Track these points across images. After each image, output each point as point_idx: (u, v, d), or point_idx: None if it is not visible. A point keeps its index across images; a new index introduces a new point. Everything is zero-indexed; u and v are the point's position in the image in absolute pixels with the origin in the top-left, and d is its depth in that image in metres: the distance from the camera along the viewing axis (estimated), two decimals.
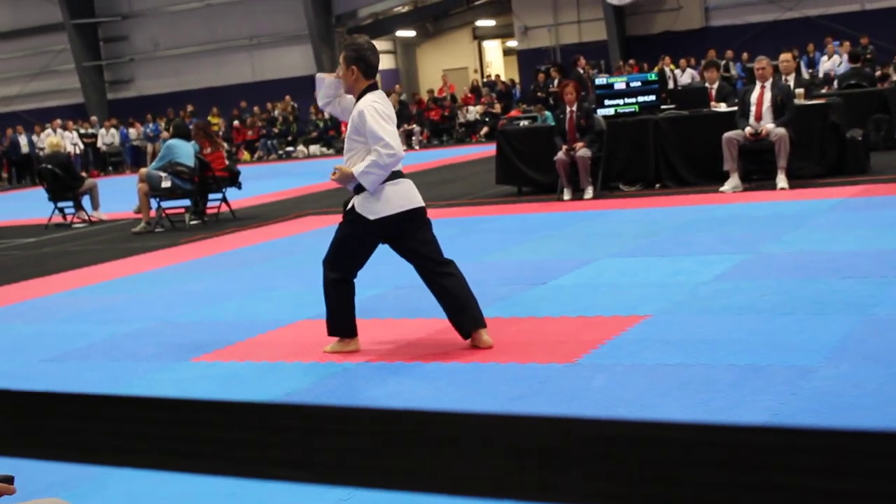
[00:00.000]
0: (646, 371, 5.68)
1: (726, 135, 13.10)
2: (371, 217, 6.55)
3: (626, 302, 7.41)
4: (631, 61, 30.41)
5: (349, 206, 6.67)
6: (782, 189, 12.71)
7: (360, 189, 6.54)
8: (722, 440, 0.71)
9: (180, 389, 6.33)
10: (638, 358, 5.95)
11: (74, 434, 1.02)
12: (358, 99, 6.59)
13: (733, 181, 13.07)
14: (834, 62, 26.35)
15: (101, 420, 1.01)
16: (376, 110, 6.45)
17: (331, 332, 6.79)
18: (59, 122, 34.84)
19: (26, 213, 20.53)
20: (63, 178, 17.55)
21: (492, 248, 10.56)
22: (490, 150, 18.27)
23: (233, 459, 0.91)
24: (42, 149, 31.85)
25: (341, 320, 6.75)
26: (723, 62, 28.21)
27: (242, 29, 38.29)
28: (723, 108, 14.13)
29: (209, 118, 32.29)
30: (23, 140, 34.66)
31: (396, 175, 6.64)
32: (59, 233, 16.76)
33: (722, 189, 13.04)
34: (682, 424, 0.71)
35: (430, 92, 34.28)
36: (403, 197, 6.66)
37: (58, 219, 17.72)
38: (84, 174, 18.08)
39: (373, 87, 6.63)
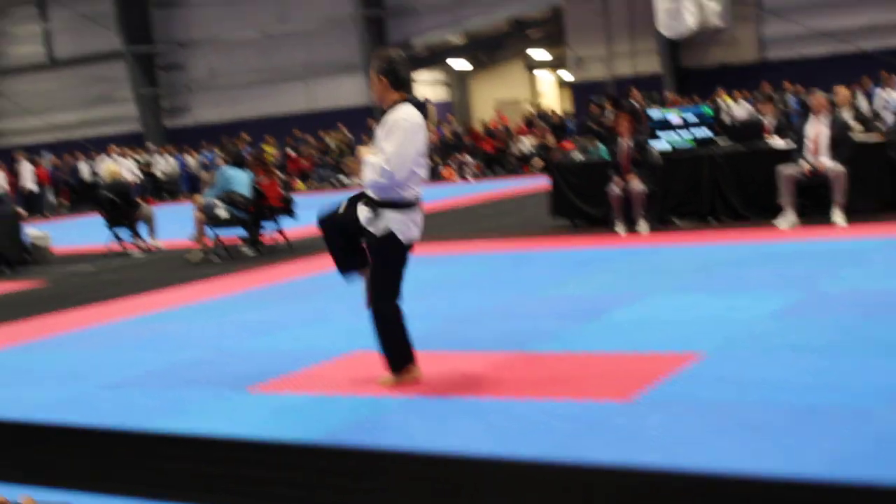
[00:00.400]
0: (702, 409, 5.65)
1: (782, 169, 13.03)
2: (405, 240, 6.61)
3: (681, 338, 7.37)
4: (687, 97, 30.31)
5: (374, 234, 6.58)
6: (839, 225, 12.61)
7: (374, 211, 6.54)
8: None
9: (235, 421, 6.37)
10: (693, 396, 5.92)
11: (138, 471, 1.05)
12: (389, 109, 6.61)
13: (789, 216, 12.98)
14: (891, 96, 26.11)
15: (158, 458, 1.04)
16: (404, 129, 6.47)
17: (397, 369, 6.77)
18: (116, 149, 35.29)
19: (85, 239, 20.77)
20: (121, 206, 17.77)
21: (545, 282, 10.55)
22: (543, 182, 18.25)
23: (284, 500, 0.93)
24: (100, 175, 32.31)
25: (406, 351, 6.76)
26: (778, 95, 28.06)
27: (298, 59, 38.63)
28: (778, 142, 14.05)
29: (264, 146, 32.53)
30: (83, 167, 35.15)
31: (417, 202, 6.69)
32: (116, 260, 16.96)
33: (778, 224, 12.96)
34: (744, 479, 0.73)
35: (484, 123, 34.33)
36: (421, 225, 6.77)
37: (115, 246, 17.93)
38: (141, 201, 18.30)
39: (405, 101, 6.64)
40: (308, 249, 15.14)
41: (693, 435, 5.26)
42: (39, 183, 33.54)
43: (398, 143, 6.44)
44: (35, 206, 32.86)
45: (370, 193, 6.58)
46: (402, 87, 6.68)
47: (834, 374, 6.12)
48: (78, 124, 42.49)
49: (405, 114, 6.55)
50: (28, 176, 32.97)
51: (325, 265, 13.44)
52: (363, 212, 6.62)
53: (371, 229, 6.61)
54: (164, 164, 36.16)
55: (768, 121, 14.55)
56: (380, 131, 6.59)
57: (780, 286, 9.10)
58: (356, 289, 11.10)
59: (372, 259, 6.72)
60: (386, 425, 6.00)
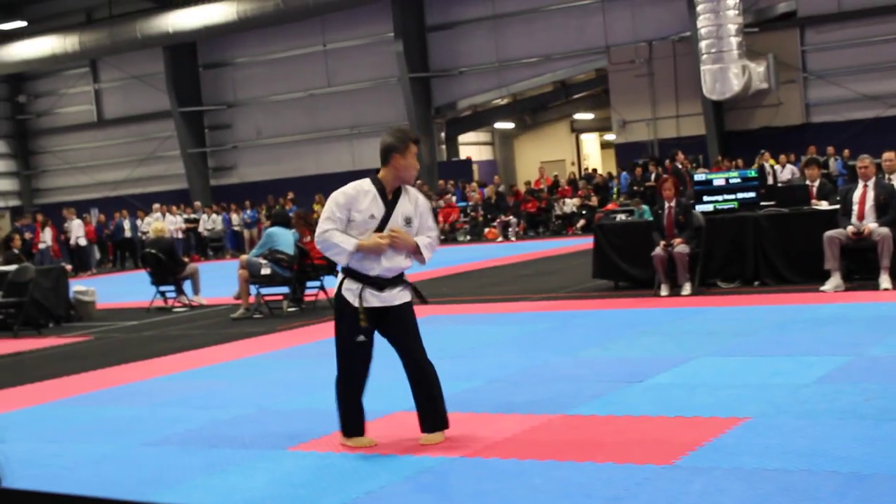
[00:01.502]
0: (745, 476, 5.58)
1: (828, 233, 12.95)
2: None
3: (725, 403, 7.30)
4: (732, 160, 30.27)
5: (403, 301, 6.97)
6: (885, 289, 12.48)
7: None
8: None
9: (276, 480, 6.36)
10: (737, 462, 5.85)
11: None
12: (404, 185, 6.92)
13: (835, 280, 12.87)
14: None
15: None
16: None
17: (445, 425, 6.86)
18: (160, 206, 35.67)
19: (129, 296, 20.95)
20: (166, 263, 17.92)
21: (588, 344, 10.50)
22: (586, 243, 18.25)
23: None
24: (145, 233, 32.63)
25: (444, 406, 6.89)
26: (823, 159, 27.95)
27: (343, 118, 39.00)
28: (824, 205, 13.98)
29: (314, 206, 32.65)
30: (126, 224, 35.59)
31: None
32: (159, 316, 17.08)
33: (823, 288, 12.85)
34: None
35: (528, 183, 34.47)
36: None
37: (159, 302, 18.07)
38: (186, 259, 18.47)
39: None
40: None
41: (736, 501, 5.18)
42: (87, 239, 33.92)
43: (327, 210, 6.80)
44: (82, 262, 33.21)
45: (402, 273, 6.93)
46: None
47: (881, 442, 6.03)
48: (125, 182, 43.06)
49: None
50: (78, 232, 33.36)
51: None
52: (406, 293, 6.97)
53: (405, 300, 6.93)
54: (209, 222, 36.49)
55: (814, 184, 14.48)
56: (409, 206, 6.78)
57: (826, 351, 9.00)
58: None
59: (411, 321, 7.06)
60: (426, 486, 5.97)
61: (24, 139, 45.83)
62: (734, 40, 29.87)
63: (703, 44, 30.08)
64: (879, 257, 12.71)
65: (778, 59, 31.57)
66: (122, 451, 7.48)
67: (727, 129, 33.00)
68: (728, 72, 29.97)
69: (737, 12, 29.91)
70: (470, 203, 33.55)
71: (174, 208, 36.22)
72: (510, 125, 42.15)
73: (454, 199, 34.03)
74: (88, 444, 7.80)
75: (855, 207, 12.96)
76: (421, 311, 14.67)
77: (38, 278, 16.53)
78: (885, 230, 12.65)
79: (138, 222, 35.42)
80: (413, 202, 6.82)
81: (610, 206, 27.88)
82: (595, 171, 37.41)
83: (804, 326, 10.48)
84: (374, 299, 6.85)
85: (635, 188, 28.62)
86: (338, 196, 6.81)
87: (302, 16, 37.23)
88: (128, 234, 35.61)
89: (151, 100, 41.88)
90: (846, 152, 28.99)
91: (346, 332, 6.97)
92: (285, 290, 15.80)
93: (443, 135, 38.33)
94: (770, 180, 26.27)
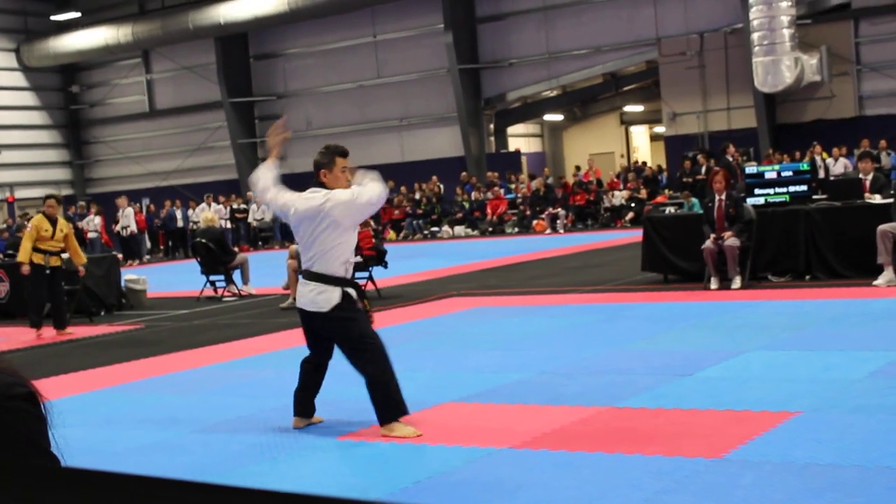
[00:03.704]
0: (796, 470, 5.54)
1: (881, 227, 12.80)
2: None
3: (776, 397, 7.25)
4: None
5: (333, 306, 7.15)
6: None
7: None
8: None
9: (324, 469, 6.39)
10: (788, 456, 5.81)
11: None
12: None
13: (888, 275, 12.73)
14: None
15: None
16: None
17: (403, 413, 7.04)
18: (210, 196, 35.89)
19: (179, 285, 21.11)
20: (216, 253, 18.04)
21: (637, 336, 10.46)
22: (635, 235, 18.17)
23: None
24: (196, 223, 32.87)
25: (400, 395, 7.08)
26: (876, 152, 27.63)
27: (393, 110, 39.05)
28: (877, 199, 13.82)
29: None
30: (178, 214, 35.86)
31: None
32: (209, 305, 17.20)
33: (875, 283, 12.71)
34: None
35: (576, 175, 34.37)
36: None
37: (209, 292, 18.20)
38: (236, 249, 18.59)
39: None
40: (398, 298, 15.21)
41: (786, 496, 5.15)
42: (138, 228, 34.19)
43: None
44: (134, 251, 33.49)
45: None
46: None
47: None
48: (175, 172, 43.38)
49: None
50: (129, 221, 33.66)
51: (416, 315, 13.50)
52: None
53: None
54: (258, 213, 36.68)
55: (867, 178, 14.33)
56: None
57: (879, 346, 8.91)
58: (447, 341, 11.15)
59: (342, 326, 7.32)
60: (474, 477, 5.97)
61: (76, 129, 46.27)
62: (787, 32, 29.56)
63: (755, 35, 29.80)
64: None
65: (831, 51, 31.21)
66: (172, 439, 7.56)
67: (779, 122, 32.69)
68: (780, 64, 29.68)
69: (790, 4, 29.61)
70: (518, 195, 33.50)
71: (222, 198, 36.41)
72: (559, 117, 41.99)
73: (502, 191, 33.98)
74: (140, 431, 7.88)
75: None
76: (469, 303, 14.75)
77: (91, 267, 16.69)
78: None
79: (189, 212, 35.67)
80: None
81: (659, 199, 27.73)
82: (644, 163, 37.21)
83: (856, 321, 10.38)
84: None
85: (684, 180, 28.42)
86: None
87: (352, 7, 37.31)
88: (179, 223, 35.87)
89: (203, 90, 42.15)
90: None
91: (366, 324, 7.26)
92: None
93: (492, 126, 38.25)
94: (822, 174, 26.01)
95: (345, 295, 7.13)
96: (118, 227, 33.43)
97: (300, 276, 7.40)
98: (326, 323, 7.16)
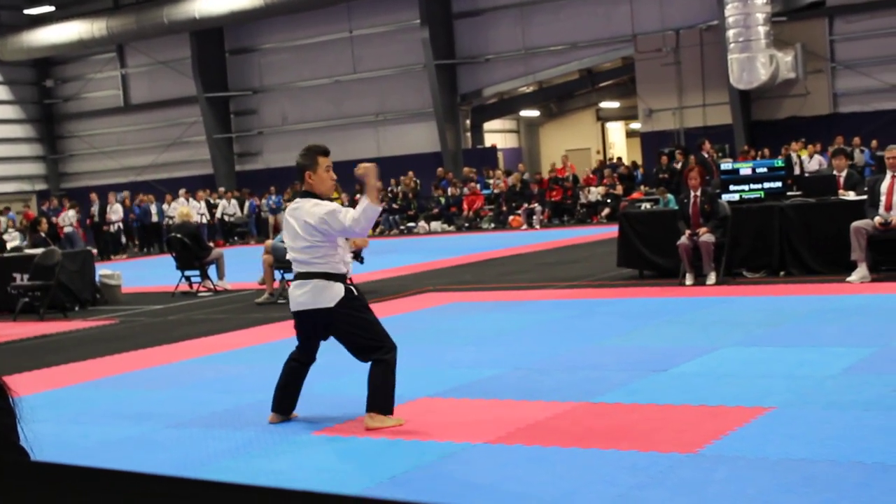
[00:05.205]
0: (769, 465, 5.56)
1: (855, 224, 12.87)
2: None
3: (750, 393, 7.27)
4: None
5: (342, 297, 7.10)
6: None
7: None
8: None
9: (299, 464, 6.38)
10: (761, 451, 5.83)
11: None
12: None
13: (861, 271, 12.80)
14: None
15: None
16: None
17: (389, 409, 7.10)
18: (185, 191, 35.75)
19: (154, 280, 21.04)
20: (191, 248, 17.98)
21: (612, 332, 10.48)
22: (611, 231, 18.20)
23: None
24: (171, 218, 32.77)
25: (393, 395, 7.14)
26: (850, 149, 27.76)
27: (369, 105, 38.99)
28: (851, 196, 13.89)
29: (334, 193, 32.69)
30: (153, 209, 35.71)
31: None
32: (184, 301, 17.14)
33: (849, 279, 12.78)
34: None
35: (552, 171, 34.40)
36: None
37: (184, 287, 18.14)
38: (211, 244, 18.55)
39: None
40: (374, 294, 15.19)
41: (759, 491, 5.17)
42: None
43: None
44: (111, 246, 33.40)
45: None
46: None
47: None
48: (150, 167, 43.21)
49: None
50: (115, 215, 33.76)
51: (391, 310, 13.49)
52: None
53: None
54: (229, 208, 36.53)
55: (841, 174, 14.41)
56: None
57: (852, 342, 8.95)
58: (423, 337, 11.14)
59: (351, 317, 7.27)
60: (449, 471, 5.98)
61: (50, 123, 46.02)
62: (762, 29, 29.71)
63: (730, 32, 29.92)
64: None
65: (806, 49, 31.36)
66: (146, 434, 7.53)
67: (754, 118, 32.82)
68: (755, 61, 29.82)
69: (765, 1, 29.74)
70: (494, 191, 33.52)
71: (199, 193, 36.28)
72: (536, 113, 42.04)
73: (478, 186, 34.00)
74: (113, 427, 7.85)
75: (882, 198, 12.88)
76: (444, 299, 14.75)
77: (65, 261, 16.61)
78: None
79: (164, 207, 35.53)
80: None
81: (635, 195, 27.78)
82: (620, 159, 37.30)
83: (830, 317, 10.43)
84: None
85: (660, 177, 28.48)
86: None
87: (328, 2, 37.22)
88: (154, 218, 35.73)
89: (178, 85, 41.98)
90: (874, 143, 28.79)
91: (373, 316, 7.25)
92: None
93: (468, 122, 38.26)
94: (797, 170, 26.13)
95: (347, 290, 7.11)
96: (112, 221, 33.49)
97: (292, 280, 7.37)
98: (332, 318, 7.09)
